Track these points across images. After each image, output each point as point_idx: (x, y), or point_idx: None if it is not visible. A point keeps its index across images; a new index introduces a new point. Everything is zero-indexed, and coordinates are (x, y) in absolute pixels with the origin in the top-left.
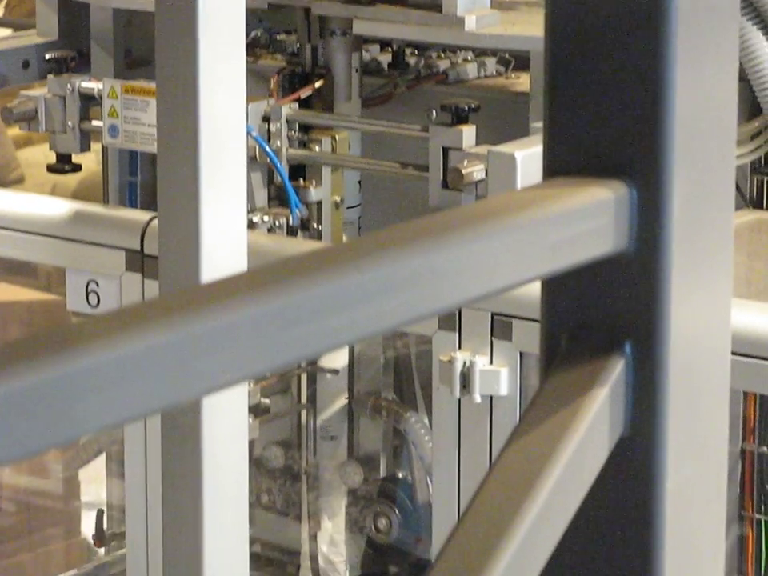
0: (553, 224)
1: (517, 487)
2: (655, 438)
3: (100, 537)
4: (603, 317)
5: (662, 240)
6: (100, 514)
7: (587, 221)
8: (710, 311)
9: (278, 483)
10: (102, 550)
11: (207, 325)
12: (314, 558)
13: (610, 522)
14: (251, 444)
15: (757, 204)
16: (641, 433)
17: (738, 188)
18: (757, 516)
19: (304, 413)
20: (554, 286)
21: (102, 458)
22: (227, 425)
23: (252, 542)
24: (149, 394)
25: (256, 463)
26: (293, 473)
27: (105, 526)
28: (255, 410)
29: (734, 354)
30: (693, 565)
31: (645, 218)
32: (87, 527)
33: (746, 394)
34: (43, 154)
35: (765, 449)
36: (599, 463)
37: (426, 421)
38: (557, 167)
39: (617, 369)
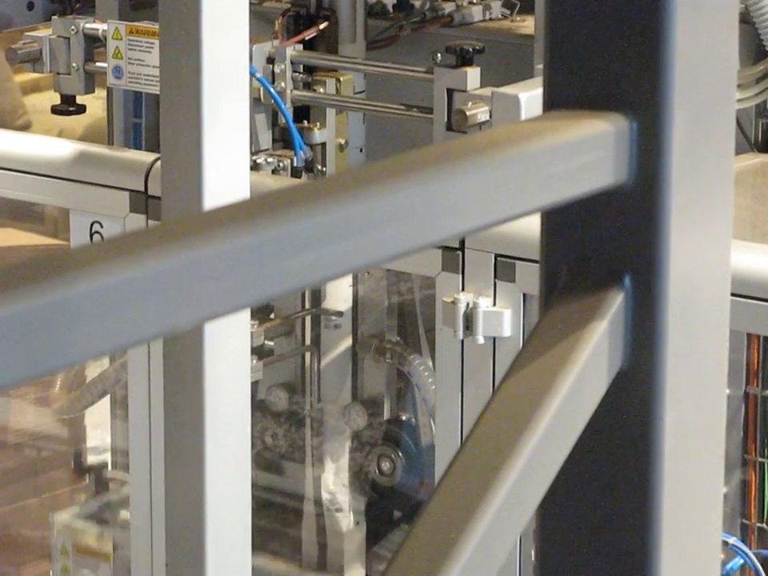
0: (552, 156)
1: (516, 419)
2: (654, 371)
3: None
4: (603, 250)
5: (661, 173)
6: (99, 468)
7: (586, 153)
8: (710, 248)
9: (282, 426)
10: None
11: (205, 251)
12: (317, 502)
13: (608, 456)
14: (255, 386)
15: (762, 148)
16: (639, 366)
17: (742, 131)
18: (760, 459)
19: (308, 355)
20: (554, 219)
21: (107, 401)
22: (230, 366)
23: (255, 485)
24: (146, 319)
25: (260, 406)
26: (297, 416)
27: (107, 475)
28: (259, 352)
29: (737, 295)
30: (691, 500)
31: (644, 151)
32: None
33: (749, 337)
34: (50, 99)
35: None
36: (598, 396)
37: (430, 363)
38: (557, 100)
39: (616, 302)
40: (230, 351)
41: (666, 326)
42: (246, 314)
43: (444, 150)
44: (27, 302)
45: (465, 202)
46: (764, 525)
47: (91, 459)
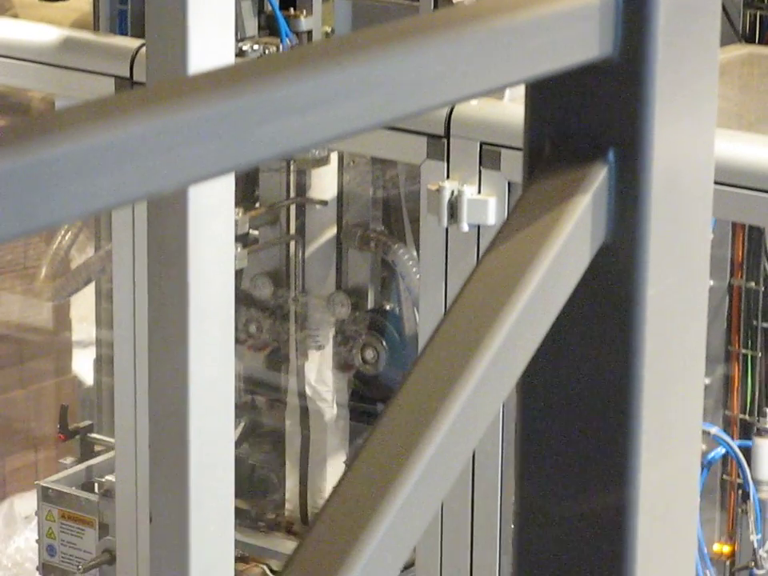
0: (536, 27)
1: (497, 292)
2: (636, 246)
3: (65, 431)
4: (587, 124)
5: (646, 49)
6: (63, 410)
7: (572, 25)
8: (693, 131)
9: (266, 315)
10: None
11: (187, 114)
12: (301, 395)
13: (589, 330)
14: (239, 275)
15: (749, 38)
16: (622, 241)
17: (730, 22)
18: (743, 351)
19: (293, 244)
20: (538, 92)
21: (92, 291)
22: (214, 251)
23: (238, 380)
24: (129, 181)
25: (244, 296)
26: (280, 305)
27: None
28: (243, 240)
29: (723, 184)
30: (672, 378)
31: (630, 25)
32: (78, 366)
33: (734, 229)
34: None
35: (752, 284)
36: (580, 269)
37: (415, 253)
38: None
39: (599, 176)
40: (213, 236)
41: (648, 202)
42: (230, 199)
43: (424, 21)
44: (11, 161)
45: (450, 72)
46: (746, 416)
47: (77, 354)
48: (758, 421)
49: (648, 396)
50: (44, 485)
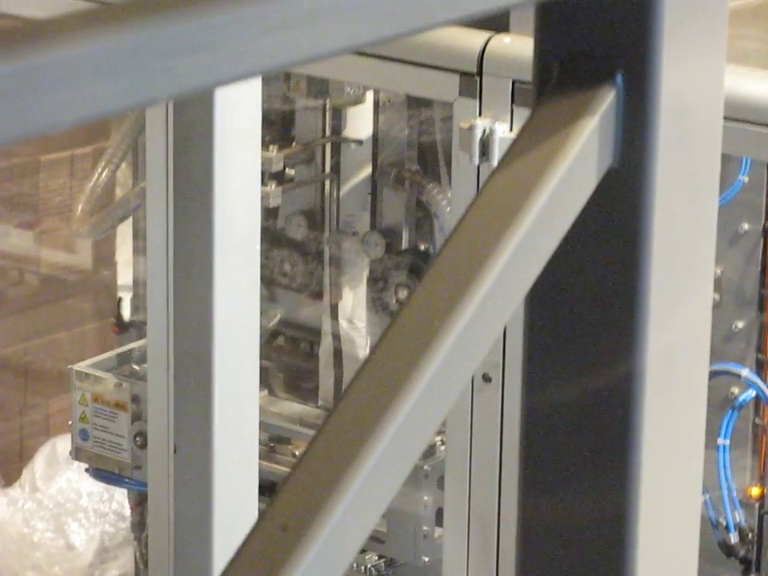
0: None
1: (502, 213)
2: (643, 170)
3: (120, 324)
4: (595, 47)
5: None
6: (119, 302)
7: None
8: (703, 59)
9: (300, 255)
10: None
11: (179, 25)
12: (335, 336)
13: (596, 252)
14: (274, 214)
15: None
16: (629, 165)
17: None
18: None
19: (327, 183)
20: (548, 15)
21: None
22: (239, 185)
23: (270, 319)
24: (120, 89)
25: (279, 235)
26: (316, 244)
27: (128, 312)
28: (278, 178)
29: (756, 123)
30: (679, 304)
31: None
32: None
33: None
34: None
35: None
36: (587, 192)
37: (449, 194)
38: None
39: (607, 99)
40: (240, 168)
41: (656, 127)
42: (257, 130)
43: None
44: (4, 65)
45: None
46: None
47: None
48: None
49: (654, 319)
50: (78, 368)
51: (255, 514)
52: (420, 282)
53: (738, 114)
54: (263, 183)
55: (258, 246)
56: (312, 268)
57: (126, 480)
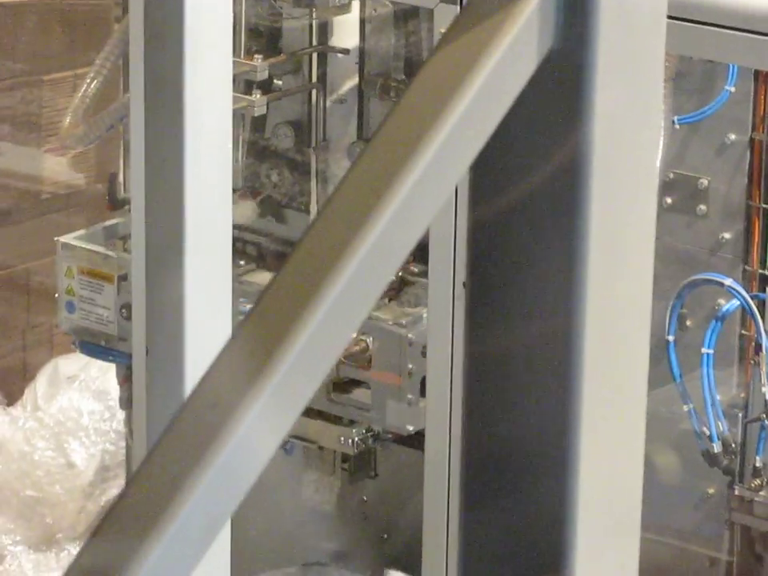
0: None
1: (440, 93)
2: (584, 50)
3: (113, 201)
4: None
5: None
6: (113, 177)
7: None
8: None
9: (287, 165)
10: None
11: None
12: None
13: (537, 133)
14: (261, 124)
15: None
16: (570, 45)
17: None
18: (764, 206)
19: (314, 92)
20: None
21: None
22: (210, 89)
23: (257, 232)
24: None
25: (266, 144)
26: (302, 155)
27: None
28: (264, 88)
29: (737, 30)
30: (621, 188)
31: None
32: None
33: (756, 82)
34: None
35: None
36: (528, 72)
37: None
38: None
39: None
40: (210, 71)
41: (597, 7)
42: (228, 28)
43: None
44: None
45: None
46: (765, 271)
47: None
48: None
49: (596, 209)
50: (64, 240)
51: None
52: (360, 156)
53: (723, 21)
54: (249, 92)
55: (230, 149)
56: (298, 178)
57: (113, 352)
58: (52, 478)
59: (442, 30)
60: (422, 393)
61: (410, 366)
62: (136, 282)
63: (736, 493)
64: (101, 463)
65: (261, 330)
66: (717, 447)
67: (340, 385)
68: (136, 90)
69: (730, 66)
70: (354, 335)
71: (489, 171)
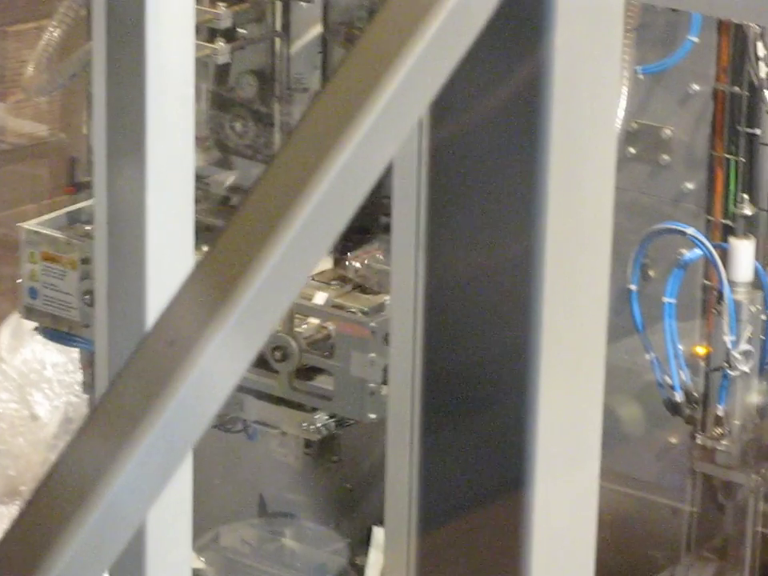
0: None
1: (405, 23)
2: None
3: (73, 183)
4: None
5: None
6: (72, 162)
7: None
8: None
9: (251, 114)
10: None
11: None
12: None
13: (500, 65)
14: (225, 72)
15: None
16: None
17: None
18: (726, 156)
19: (278, 41)
20: None
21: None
22: (171, 35)
23: (219, 185)
24: None
25: (230, 94)
26: (266, 103)
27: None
28: (228, 36)
29: None
30: (578, 151)
31: None
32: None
33: (719, 33)
34: None
35: (737, 89)
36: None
37: None
38: None
39: None
40: (171, 17)
41: None
42: None
43: None
44: None
45: None
46: (728, 221)
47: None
48: (735, 222)
49: (556, 133)
50: (27, 227)
51: None
52: (322, 88)
53: None
54: (212, 41)
55: (192, 95)
56: (262, 128)
57: (77, 339)
58: (15, 431)
59: None
60: (385, 381)
61: (372, 354)
62: (99, 264)
63: (698, 442)
64: (64, 415)
65: (220, 265)
66: (679, 396)
67: (303, 372)
68: (98, 38)
69: (694, 16)
70: (317, 322)
71: (449, 94)
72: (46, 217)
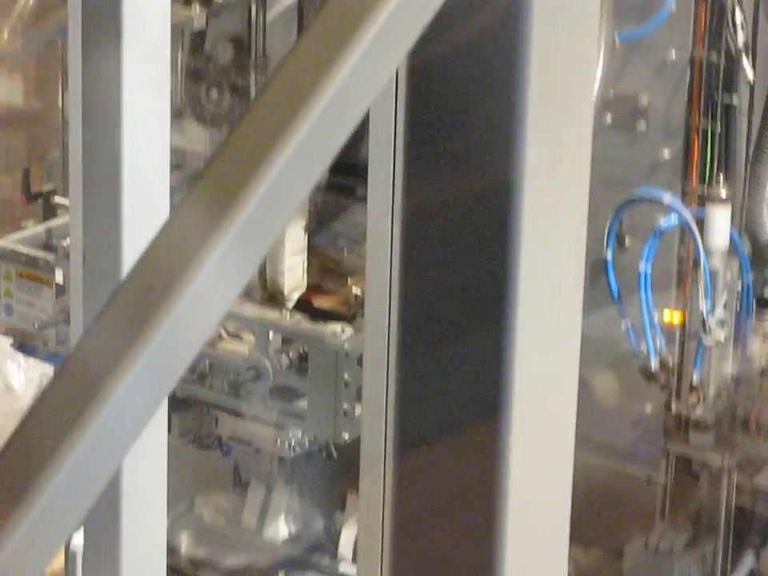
0: None
1: None
2: None
3: (27, 195)
4: None
5: None
6: (26, 173)
7: None
8: None
9: (227, 81)
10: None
11: None
12: None
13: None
14: (200, 39)
15: None
16: None
17: None
18: (703, 125)
19: (254, 7)
20: None
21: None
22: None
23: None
24: None
25: (206, 60)
26: (241, 73)
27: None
28: (202, 2)
29: None
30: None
31: None
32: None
33: (697, 1)
34: None
35: (714, 57)
36: None
37: None
38: None
39: None
40: None
41: None
42: None
43: None
44: None
45: None
46: (705, 189)
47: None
48: (712, 189)
49: (536, 57)
50: (2, 243)
51: None
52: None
53: None
54: (188, 6)
55: (168, 61)
56: (239, 95)
57: (54, 355)
58: None
59: None
60: (359, 400)
61: (346, 375)
62: (74, 273)
63: (673, 409)
64: (39, 387)
65: (212, 190)
66: (654, 364)
67: (277, 392)
68: (73, 4)
69: None
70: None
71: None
72: (22, 234)
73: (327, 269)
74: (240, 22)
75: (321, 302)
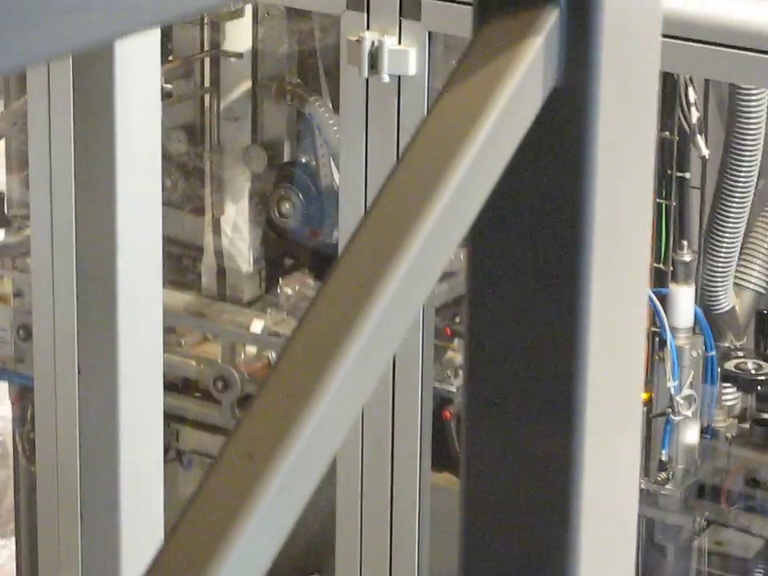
0: None
1: (451, 135)
2: (588, 88)
3: (1, 220)
4: None
5: None
6: (0, 197)
7: None
8: None
9: (181, 171)
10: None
11: None
12: (217, 252)
13: (541, 173)
14: None
15: None
16: (574, 83)
17: None
18: (658, 201)
19: (207, 96)
20: None
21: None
22: (141, 104)
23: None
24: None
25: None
26: (196, 159)
27: (6, 209)
28: None
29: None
30: (620, 218)
31: None
32: None
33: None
34: None
35: (667, 134)
36: (533, 112)
37: (330, 106)
38: None
39: (551, 18)
40: (140, 85)
41: (599, 45)
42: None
43: None
44: None
45: None
46: (661, 265)
47: None
48: (673, 268)
49: (597, 240)
50: None
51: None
52: (372, 205)
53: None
54: None
55: (159, 166)
56: (193, 184)
57: (13, 374)
58: None
59: (350, 38)
60: None
61: None
62: (37, 302)
63: (642, 487)
64: None
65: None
66: None
67: (244, 402)
68: (34, 95)
69: None
70: (255, 351)
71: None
72: None
73: None
74: (193, 112)
75: None
